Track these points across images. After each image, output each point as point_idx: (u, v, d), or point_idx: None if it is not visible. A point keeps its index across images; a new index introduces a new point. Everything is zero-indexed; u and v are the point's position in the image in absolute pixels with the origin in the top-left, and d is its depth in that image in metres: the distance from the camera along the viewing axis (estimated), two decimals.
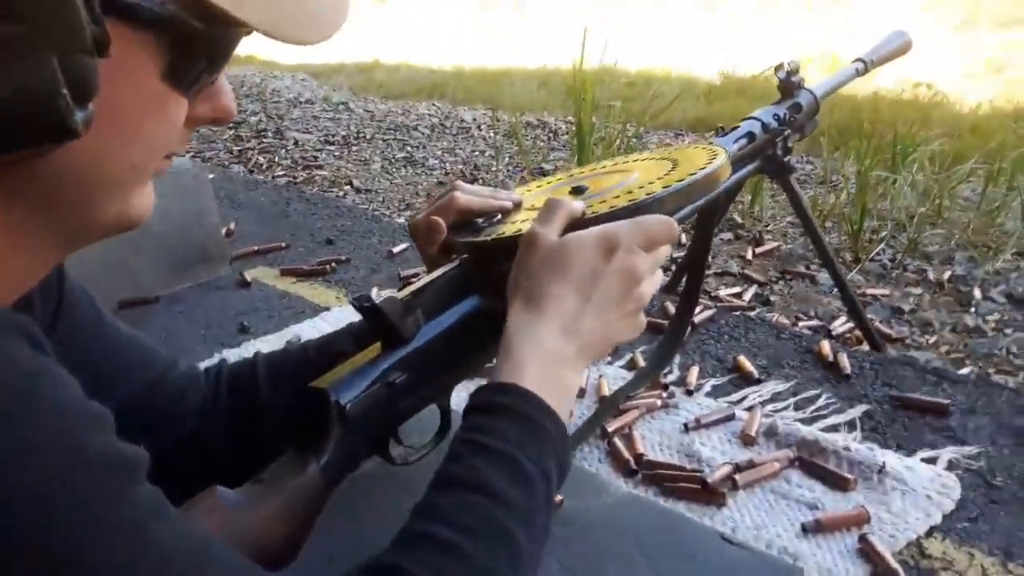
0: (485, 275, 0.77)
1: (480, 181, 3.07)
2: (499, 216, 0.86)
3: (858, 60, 1.41)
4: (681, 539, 0.93)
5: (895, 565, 0.87)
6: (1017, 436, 1.10)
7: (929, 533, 0.94)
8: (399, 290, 0.74)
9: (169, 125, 0.49)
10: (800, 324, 1.62)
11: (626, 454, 1.09)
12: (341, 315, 1.65)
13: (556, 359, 0.63)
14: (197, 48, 0.46)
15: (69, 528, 0.39)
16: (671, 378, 1.29)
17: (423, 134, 4.30)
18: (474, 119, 4.75)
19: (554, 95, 5.89)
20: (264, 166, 3.48)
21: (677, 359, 1.35)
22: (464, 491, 0.55)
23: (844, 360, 1.30)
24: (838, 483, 1.01)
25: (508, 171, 3.18)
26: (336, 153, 3.73)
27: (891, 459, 1.04)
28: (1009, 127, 4.14)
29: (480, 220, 0.85)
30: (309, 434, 0.67)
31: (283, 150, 3.79)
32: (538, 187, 1.02)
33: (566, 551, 0.92)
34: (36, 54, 0.36)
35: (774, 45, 6.20)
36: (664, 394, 1.22)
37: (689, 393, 1.24)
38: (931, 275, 1.89)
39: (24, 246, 0.46)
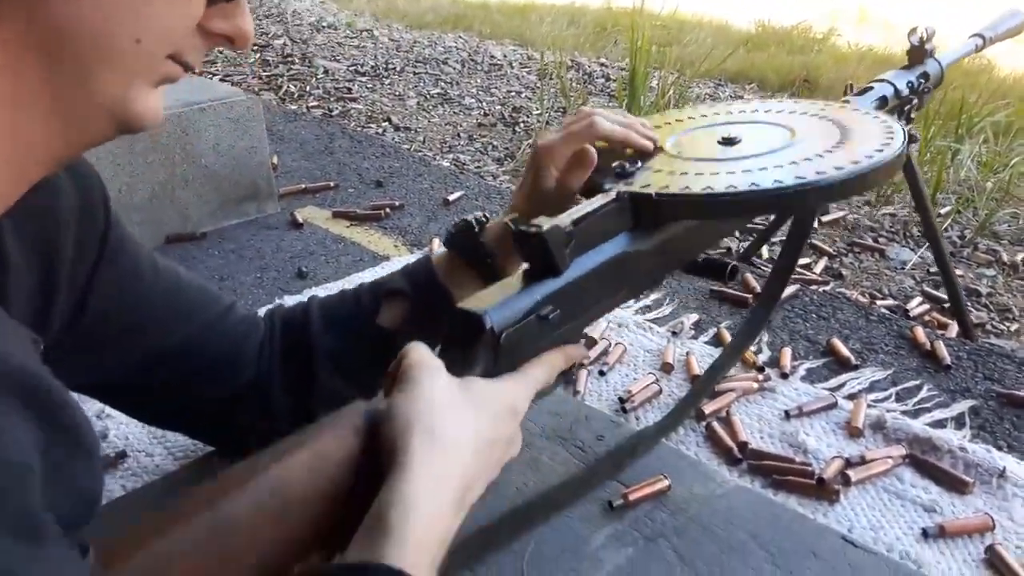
0: (639, 221, 0.74)
1: (521, 124, 2.97)
2: (639, 161, 0.80)
3: (976, 35, 1.34)
4: (801, 536, 0.90)
5: None
6: None
7: None
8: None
9: (181, 11, 0.47)
10: (877, 303, 1.57)
11: (728, 441, 1.04)
12: (402, 264, 1.59)
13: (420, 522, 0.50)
14: None
15: None
16: (762, 359, 1.24)
17: (454, 69, 4.17)
18: (505, 55, 4.61)
19: (585, 34, 5.73)
20: (296, 95, 3.37)
21: (765, 338, 1.30)
22: None
23: (942, 349, 1.25)
24: (955, 485, 0.97)
25: (550, 115, 3.08)
26: (368, 85, 3.61)
27: (1011, 463, 1.00)
28: None
29: (624, 164, 0.79)
30: (450, 355, 0.61)
31: (313, 79, 3.67)
32: (679, 122, 0.95)
33: (680, 540, 0.89)
34: None
35: None
36: (760, 376, 1.18)
37: (784, 376, 1.20)
38: (1004, 256, 1.83)
39: (21, 127, 0.44)
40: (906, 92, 1.18)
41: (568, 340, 0.72)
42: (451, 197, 1.94)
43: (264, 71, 3.76)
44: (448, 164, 2.38)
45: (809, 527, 0.91)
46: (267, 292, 1.50)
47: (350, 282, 1.53)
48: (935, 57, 1.26)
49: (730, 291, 1.43)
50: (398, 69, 4.04)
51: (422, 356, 0.58)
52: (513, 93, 3.59)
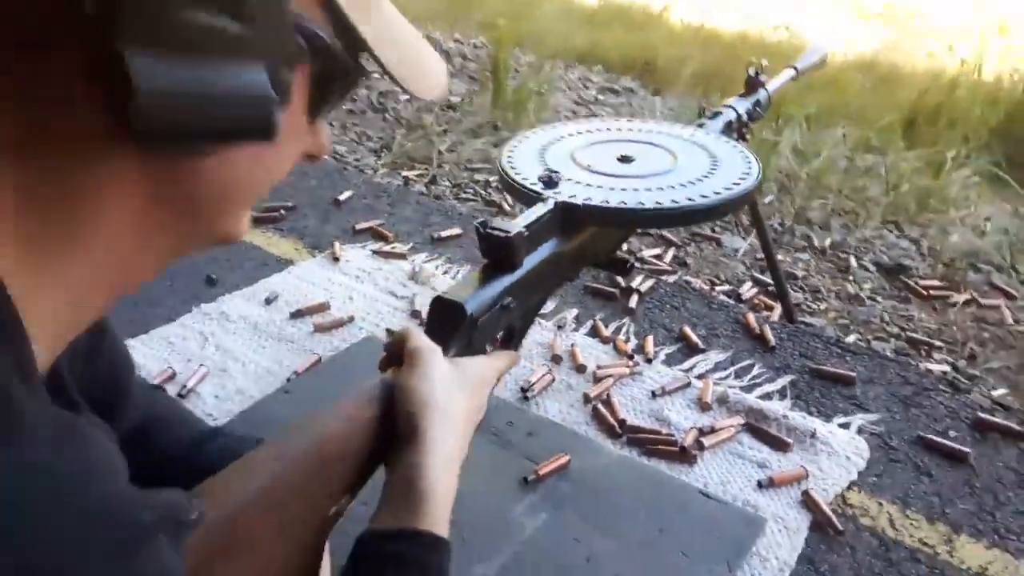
0: (567, 225, 0.95)
1: (390, 111, 3.11)
2: (559, 171, 1.02)
3: (791, 67, 1.65)
4: (670, 494, 1.17)
5: (830, 513, 1.15)
6: (904, 403, 1.41)
7: (848, 487, 1.22)
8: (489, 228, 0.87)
9: (296, 152, 0.50)
10: (716, 289, 1.88)
11: (610, 419, 1.30)
12: (307, 269, 1.74)
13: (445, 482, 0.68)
14: (336, 83, 0.47)
15: None
16: (631, 347, 1.51)
17: None
18: None
19: (435, 5, 5.83)
20: None
21: (632, 328, 1.57)
22: None
23: (769, 333, 1.56)
24: (779, 446, 1.28)
25: (415, 105, 3.22)
26: None
27: (819, 425, 1.32)
28: (856, 80, 4.62)
29: (550, 174, 1.00)
30: (434, 337, 0.77)
31: None
32: (588, 132, 1.18)
33: (581, 505, 1.14)
34: (254, 56, 0.38)
35: None
36: (631, 362, 1.44)
37: (648, 361, 1.47)
38: (815, 242, 2.20)
39: (150, 246, 0.44)
40: (745, 117, 1.46)
41: (516, 320, 0.93)
42: (341, 197, 2.09)
43: None
44: (327, 157, 2.50)
45: (676, 486, 1.19)
46: (183, 302, 1.60)
47: (262, 287, 1.66)
48: (765, 88, 1.55)
49: (600, 286, 1.68)
50: None
51: (423, 340, 0.73)
52: (375, 75, 3.69)
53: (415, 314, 1.58)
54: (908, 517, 1.18)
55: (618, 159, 1.09)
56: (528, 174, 1.04)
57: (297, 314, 1.57)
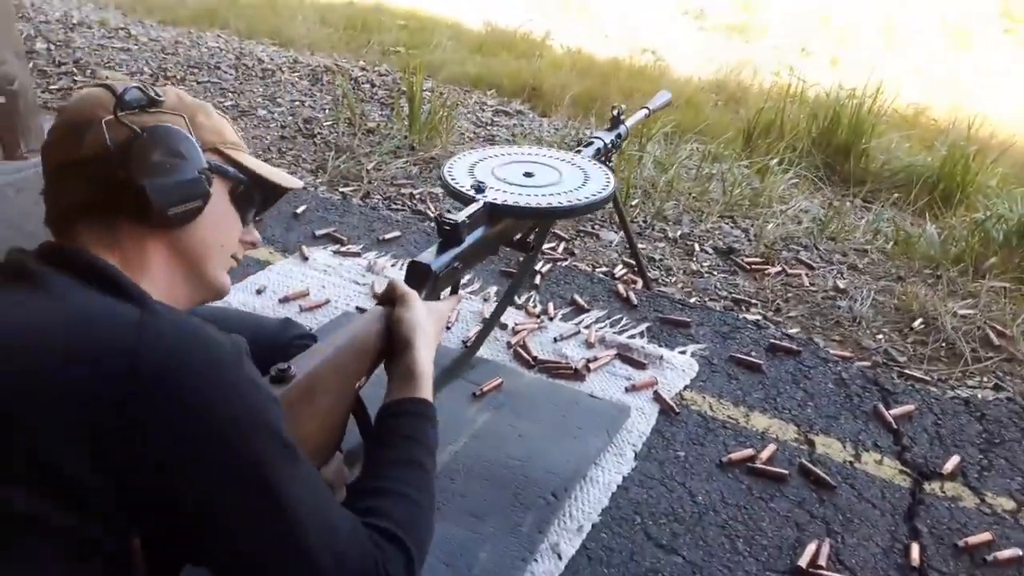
0: (490, 218, 1.49)
1: (318, 136, 3.60)
2: (483, 184, 1.56)
3: (645, 107, 2.28)
4: (569, 397, 1.76)
5: (671, 402, 1.77)
6: (724, 338, 2.06)
7: (684, 389, 1.85)
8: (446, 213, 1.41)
9: (236, 228, 0.94)
10: (596, 270, 2.50)
11: (526, 356, 1.89)
12: (284, 267, 2.25)
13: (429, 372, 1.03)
14: (242, 191, 0.92)
15: (260, 445, 0.70)
16: (538, 310, 2.10)
17: (230, 75, 4.61)
18: (271, 59, 5.06)
19: (338, 33, 6.28)
20: None
21: (538, 298, 2.16)
22: (409, 467, 0.91)
23: (632, 297, 2.19)
24: (639, 366, 1.90)
25: (341, 128, 3.72)
26: None
27: (665, 352, 1.94)
28: (709, 99, 5.41)
29: (479, 184, 1.54)
30: (411, 285, 1.15)
31: None
32: (501, 156, 1.75)
33: (511, 408, 1.72)
34: (192, 171, 0.83)
35: None
36: (539, 320, 2.04)
37: (551, 319, 2.07)
38: (670, 234, 2.86)
39: (181, 283, 0.87)
40: (610, 145, 2.06)
41: (459, 275, 1.46)
42: (298, 211, 2.60)
43: (52, 84, 3.99)
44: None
45: (572, 392, 1.78)
46: None
47: (251, 283, 2.16)
48: (624, 124, 2.16)
49: (512, 270, 2.27)
50: (179, 77, 4.41)
51: (408, 287, 1.10)
52: (296, 103, 4.16)
53: (375, 296, 2.12)
54: (721, 403, 1.81)
55: (523, 175, 1.68)
56: (463, 183, 1.61)
57: (285, 300, 2.08)
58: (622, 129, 2.14)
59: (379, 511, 0.82)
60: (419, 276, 1.31)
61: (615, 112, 2.15)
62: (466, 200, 1.55)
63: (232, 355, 0.71)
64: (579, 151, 1.94)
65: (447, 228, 1.38)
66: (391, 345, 1.04)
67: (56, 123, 0.85)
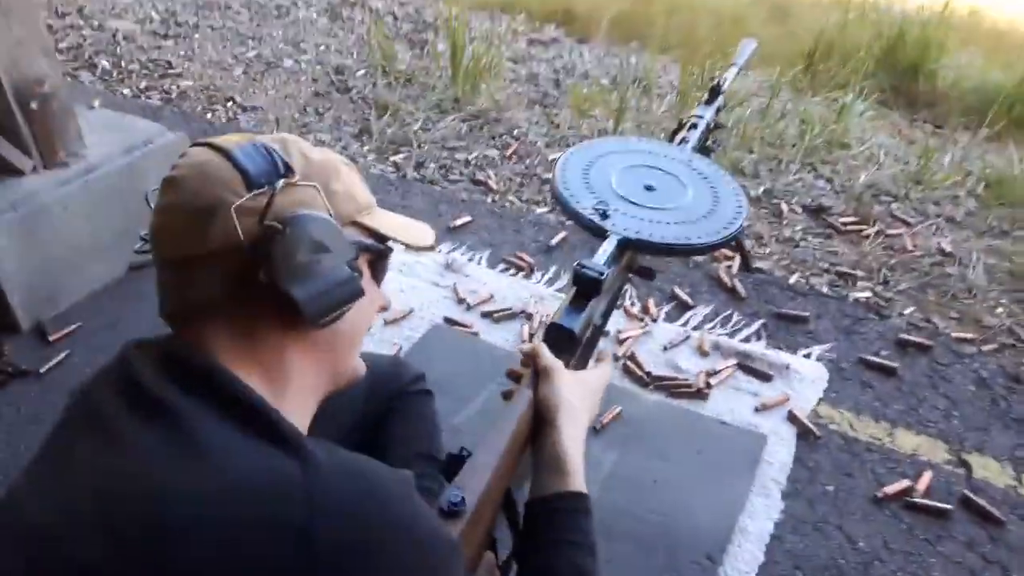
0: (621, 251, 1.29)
1: (354, 92, 3.33)
2: (608, 203, 1.35)
3: (733, 64, 2.03)
4: (695, 425, 1.60)
5: (809, 424, 1.61)
6: (847, 334, 1.88)
7: (817, 403, 1.69)
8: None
9: (377, 305, 0.84)
10: None
11: (639, 371, 1.72)
12: None
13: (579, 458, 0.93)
14: (381, 259, 0.82)
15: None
16: (637, 309, 1.92)
17: (243, 15, 4.29)
18: None
19: None
20: (115, 74, 3.43)
21: (634, 293, 1.98)
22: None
23: (739, 286, 2.00)
24: (765, 377, 1.73)
25: (375, 78, 3.44)
26: (179, 52, 3.71)
27: (791, 359, 1.77)
28: (757, 16, 5.04)
29: (604, 207, 1.33)
30: (555, 351, 1.07)
31: (117, 47, 3.69)
32: (614, 152, 1.51)
33: (640, 452, 1.56)
34: (340, 263, 0.70)
35: None
36: (642, 323, 1.86)
37: (654, 320, 1.89)
38: (751, 192, 2.64)
39: (321, 376, 0.76)
40: (712, 125, 1.83)
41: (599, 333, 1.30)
42: None
43: (62, 42, 3.70)
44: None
45: (699, 420, 1.62)
46: None
47: None
48: (722, 91, 1.92)
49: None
50: (192, 23, 4.10)
51: (551, 358, 0.99)
52: (322, 47, 3.87)
53: (461, 301, 1.93)
54: (860, 420, 1.65)
55: (644, 188, 1.45)
56: (584, 202, 1.40)
57: None
58: (720, 101, 1.90)
59: None
60: (561, 342, 1.12)
61: (715, 83, 1.90)
62: (588, 225, 1.34)
63: (408, 508, 0.65)
64: (684, 140, 1.71)
65: (587, 281, 1.17)
66: (536, 428, 0.95)
67: (169, 202, 0.70)
